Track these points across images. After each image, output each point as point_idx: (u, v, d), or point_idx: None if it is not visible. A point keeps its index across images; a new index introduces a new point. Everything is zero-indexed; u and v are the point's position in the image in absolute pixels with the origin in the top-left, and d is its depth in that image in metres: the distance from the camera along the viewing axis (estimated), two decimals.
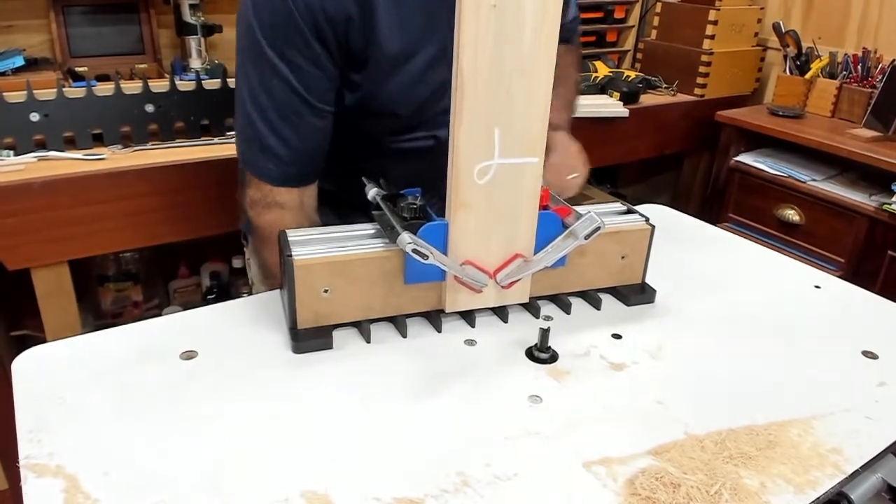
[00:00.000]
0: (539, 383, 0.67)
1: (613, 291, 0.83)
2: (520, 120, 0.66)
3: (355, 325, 0.73)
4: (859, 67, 2.04)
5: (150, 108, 1.37)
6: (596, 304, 0.81)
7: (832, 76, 2.11)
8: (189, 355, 0.67)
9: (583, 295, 0.82)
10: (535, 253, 0.73)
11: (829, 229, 1.89)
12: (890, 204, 1.73)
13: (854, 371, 0.72)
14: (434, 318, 0.75)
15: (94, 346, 0.69)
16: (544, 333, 0.71)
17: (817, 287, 0.90)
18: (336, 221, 0.96)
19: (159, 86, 1.38)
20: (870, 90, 1.99)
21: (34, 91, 1.28)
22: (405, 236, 0.66)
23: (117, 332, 0.71)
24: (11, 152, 1.28)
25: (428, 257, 0.67)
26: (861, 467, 0.58)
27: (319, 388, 0.64)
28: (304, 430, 0.59)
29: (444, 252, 0.70)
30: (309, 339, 0.69)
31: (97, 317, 1.62)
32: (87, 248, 1.30)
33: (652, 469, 0.56)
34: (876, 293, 0.88)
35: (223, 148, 1.38)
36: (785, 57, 2.18)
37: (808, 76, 2.12)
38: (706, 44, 2.15)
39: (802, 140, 1.92)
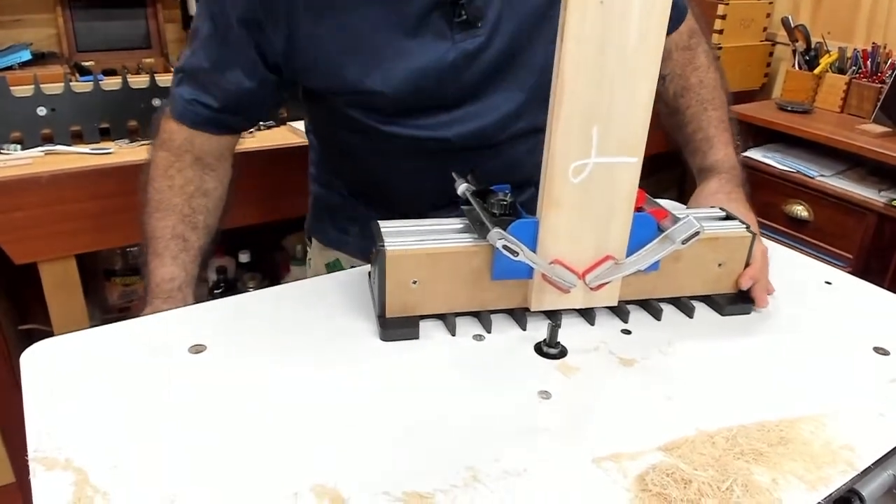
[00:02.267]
0: (548, 379, 0.66)
1: (707, 300, 0.81)
2: (620, 119, 0.65)
3: (441, 317, 0.73)
4: (869, 63, 2.03)
5: (157, 102, 1.37)
6: (688, 312, 0.79)
7: (841, 71, 2.09)
8: (198, 349, 0.67)
9: (674, 302, 0.80)
10: (628, 256, 0.72)
11: (838, 225, 1.88)
12: None
13: (866, 367, 0.71)
14: (519, 315, 0.74)
15: (103, 340, 0.69)
16: (553, 329, 0.70)
17: (828, 283, 0.89)
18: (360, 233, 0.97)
19: (166, 80, 1.38)
20: (879, 85, 1.98)
21: (41, 85, 1.28)
22: (495, 232, 0.66)
23: (126, 326, 0.71)
24: (19, 146, 1.28)
25: (518, 254, 0.67)
26: (873, 464, 0.58)
27: (326, 382, 0.64)
28: (314, 424, 0.58)
29: (534, 250, 0.69)
30: (396, 327, 0.70)
31: (104, 311, 1.62)
32: (94, 243, 1.30)
33: (662, 465, 0.56)
34: (885, 289, 0.88)
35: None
36: (794, 52, 2.16)
37: (817, 71, 2.10)
38: (715, 38, 2.14)
39: (811, 135, 1.91)
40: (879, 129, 1.87)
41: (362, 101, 0.84)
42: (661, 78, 0.99)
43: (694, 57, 1.00)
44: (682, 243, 0.69)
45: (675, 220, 0.71)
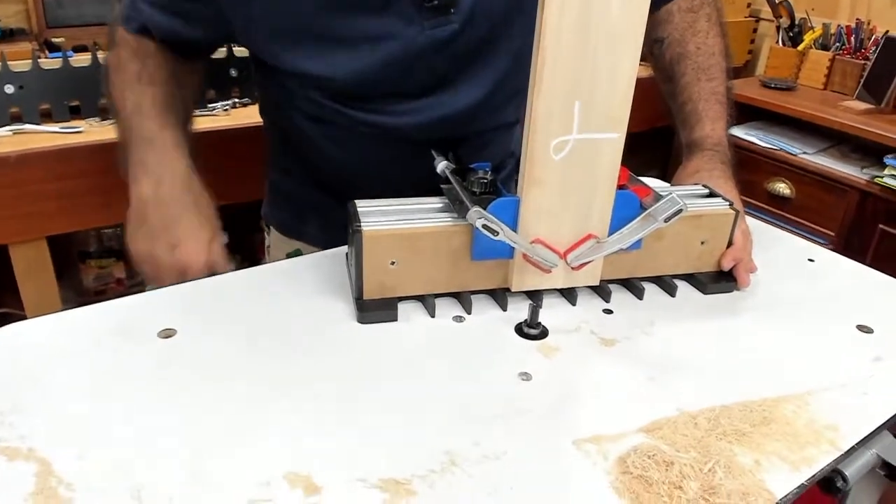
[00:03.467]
0: (528, 360, 0.65)
1: (689, 278, 0.79)
2: (603, 93, 0.63)
3: (420, 299, 0.71)
4: (852, 39, 2.02)
5: None
6: (670, 291, 0.77)
7: (825, 48, 2.08)
8: (167, 333, 0.65)
9: (657, 281, 0.79)
10: (610, 234, 0.71)
11: (820, 203, 1.88)
12: (882, 177, 1.72)
13: (849, 346, 0.71)
14: (499, 296, 0.73)
15: (71, 324, 0.66)
16: (534, 309, 0.69)
17: (811, 261, 0.88)
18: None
19: None
20: (863, 62, 1.97)
21: (9, 62, 1.24)
22: (475, 212, 0.64)
23: (95, 310, 0.69)
24: None
25: (498, 234, 0.65)
26: (857, 444, 0.57)
27: (300, 366, 0.62)
28: (288, 409, 0.57)
29: (514, 229, 0.68)
30: (374, 309, 0.68)
31: (79, 294, 1.59)
32: (66, 224, 1.27)
33: (644, 447, 0.55)
34: (867, 266, 0.87)
35: (208, 120, 1.35)
36: (778, 28, 2.15)
37: (800, 48, 2.09)
38: None
39: (794, 112, 1.91)
40: (862, 105, 1.87)
41: (313, 84, 0.81)
42: (660, 41, 0.95)
43: (696, 21, 0.95)
44: (665, 221, 0.68)
45: (658, 197, 0.70)
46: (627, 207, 0.70)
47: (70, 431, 0.53)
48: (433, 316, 0.70)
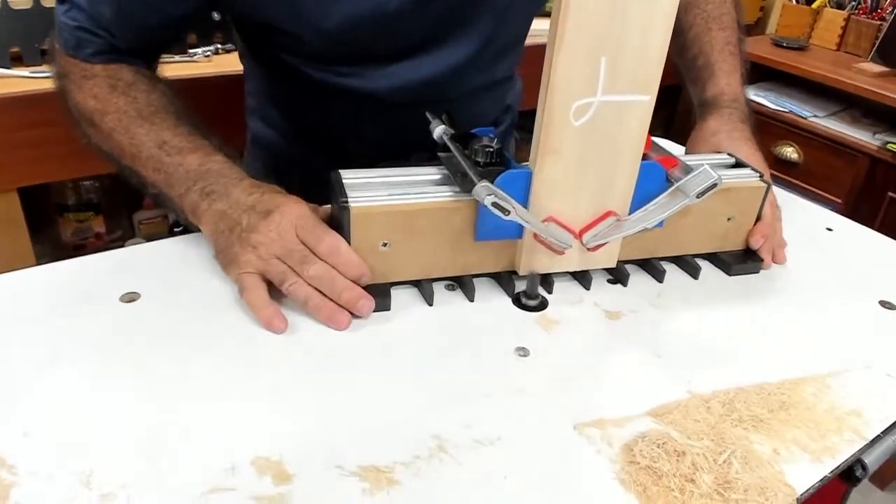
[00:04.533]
0: (526, 334, 0.60)
1: (712, 258, 0.73)
2: (633, 49, 0.55)
3: (416, 284, 0.64)
4: None
5: None
6: (693, 273, 0.70)
7: (840, 6, 2.00)
8: (130, 297, 0.59)
9: (677, 261, 0.72)
10: (631, 212, 0.63)
11: (828, 168, 1.82)
12: (894, 143, 1.65)
13: (872, 323, 0.65)
14: (505, 280, 0.65)
15: (29, 284, 0.61)
16: (533, 279, 0.63)
17: (829, 230, 0.83)
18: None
19: None
20: (879, 22, 1.89)
21: None
22: (483, 187, 0.56)
23: (56, 269, 0.63)
24: None
25: (510, 213, 0.57)
26: (882, 432, 0.52)
27: (273, 341, 0.56)
28: (260, 388, 0.51)
29: (525, 205, 0.60)
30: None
31: (56, 249, 1.53)
32: (39, 175, 1.20)
33: (653, 434, 0.50)
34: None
35: (189, 67, 1.27)
36: None
37: (814, 6, 2.00)
38: None
39: (806, 73, 1.83)
40: (877, 68, 1.80)
41: (289, 46, 0.73)
42: None
43: None
44: (697, 197, 0.61)
45: (687, 169, 0.63)
46: (652, 181, 0.63)
47: (16, 405, 0.48)
48: (431, 304, 0.62)
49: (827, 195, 1.83)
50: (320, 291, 0.58)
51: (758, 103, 1.91)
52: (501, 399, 0.52)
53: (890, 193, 1.70)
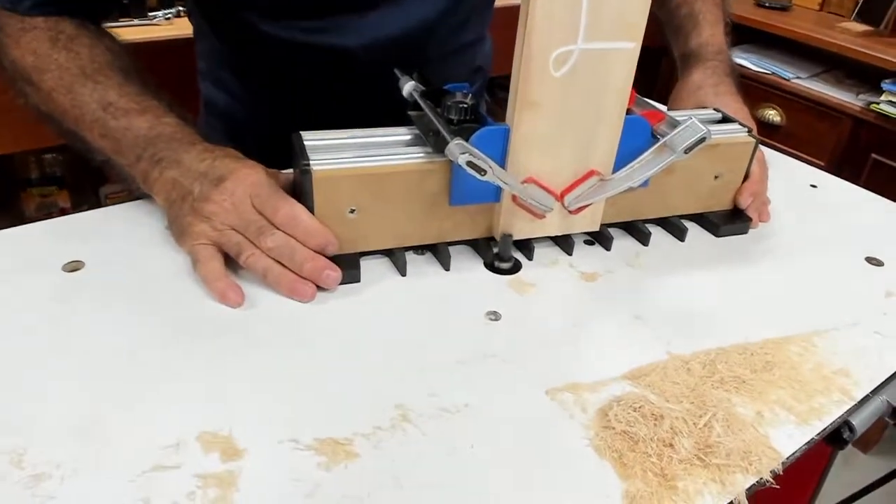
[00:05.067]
0: (498, 298, 0.56)
1: (699, 219, 0.69)
2: None
3: (388, 253, 0.60)
4: None
5: None
6: (679, 235, 0.67)
7: None
8: (74, 266, 0.56)
9: (662, 222, 0.68)
10: (615, 170, 0.59)
11: (811, 130, 1.79)
12: (878, 103, 1.63)
13: (858, 280, 0.63)
14: (482, 248, 0.62)
15: None
16: (505, 240, 0.60)
17: (813, 186, 0.80)
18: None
19: None
20: None
21: None
22: (456, 145, 0.52)
23: None
24: None
25: (486, 173, 0.53)
26: (871, 391, 0.50)
27: (223, 310, 0.53)
28: (210, 361, 0.48)
29: (503, 165, 0.56)
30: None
31: (21, 223, 1.47)
32: None
33: (629, 397, 0.47)
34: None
35: (148, 30, 1.21)
36: None
37: None
38: None
39: (788, 33, 1.79)
40: (860, 27, 1.77)
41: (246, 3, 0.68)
42: None
43: None
44: (685, 153, 0.57)
45: (674, 123, 0.59)
46: (637, 136, 0.59)
47: None
48: (404, 274, 0.58)
49: (810, 158, 1.80)
50: (282, 264, 0.54)
51: (740, 65, 1.87)
52: (470, 365, 0.49)
53: (873, 155, 1.68)
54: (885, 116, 1.62)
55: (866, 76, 1.72)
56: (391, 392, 0.46)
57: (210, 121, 0.86)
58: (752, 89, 1.86)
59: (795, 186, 0.79)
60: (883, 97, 1.63)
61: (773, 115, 1.83)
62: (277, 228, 0.54)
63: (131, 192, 0.63)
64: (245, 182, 0.55)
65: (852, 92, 1.72)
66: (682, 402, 0.47)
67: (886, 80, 1.62)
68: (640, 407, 0.46)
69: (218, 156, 0.57)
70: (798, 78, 1.79)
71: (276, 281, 0.54)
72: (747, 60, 1.87)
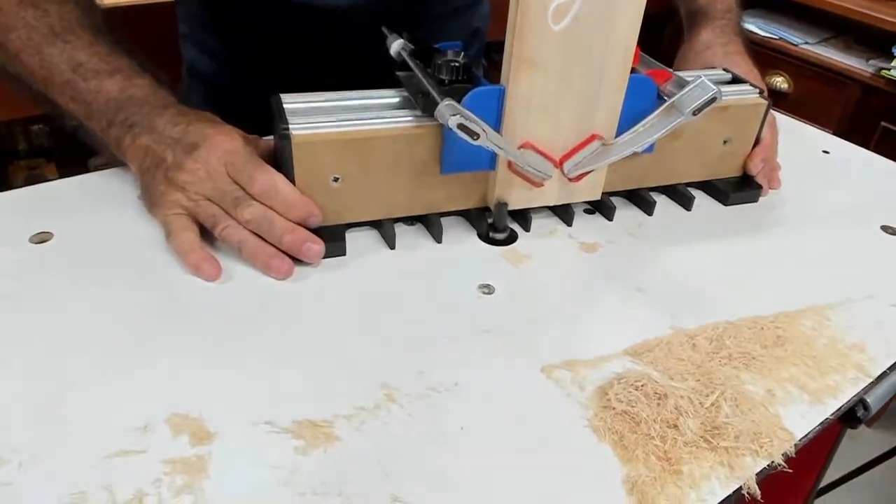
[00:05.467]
0: (493, 269, 0.53)
1: (706, 187, 0.65)
2: None
3: (375, 225, 0.57)
4: None
5: None
6: (685, 203, 0.63)
7: None
8: (42, 238, 0.52)
9: (667, 191, 0.64)
10: (618, 135, 0.56)
11: (819, 98, 1.74)
12: (888, 69, 1.58)
13: (874, 249, 0.60)
14: (476, 219, 0.58)
15: None
16: (500, 208, 0.56)
17: (825, 152, 0.76)
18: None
19: None
20: None
21: None
22: (447, 106, 0.48)
23: None
24: None
25: (479, 137, 0.49)
26: (889, 368, 0.47)
27: (197, 285, 0.49)
28: (182, 338, 0.45)
29: (498, 130, 0.52)
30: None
31: None
32: None
33: (630, 374, 0.44)
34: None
35: None
36: None
37: None
38: None
39: None
40: None
41: None
42: None
43: None
44: (694, 114, 0.53)
45: (682, 83, 0.55)
46: (642, 97, 0.55)
47: None
48: (393, 247, 0.55)
49: (817, 126, 1.76)
50: (260, 236, 0.51)
51: (747, 31, 1.82)
52: (461, 342, 0.46)
53: (883, 123, 1.63)
54: (895, 83, 1.57)
55: (876, 41, 1.67)
56: (376, 371, 0.43)
57: (193, 86, 0.82)
58: (759, 55, 1.80)
59: (807, 152, 0.76)
60: (894, 63, 1.58)
61: (780, 81, 1.78)
62: (255, 199, 0.50)
63: (124, 164, 0.60)
64: (219, 149, 0.51)
65: (862, 58, 1.67)
66: (687, 380, 0.44)
67: None
68: (642, 385, 0.43)
69: (192, 120, 0.54)
70: (806, 43, 1.74)
71: (251, 254, 0.50)
72: (754, 25, 1.81)
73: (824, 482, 0.82)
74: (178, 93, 0.59)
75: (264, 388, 0.41)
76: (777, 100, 1.81)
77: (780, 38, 1.76)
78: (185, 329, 0.45)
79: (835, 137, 0.80)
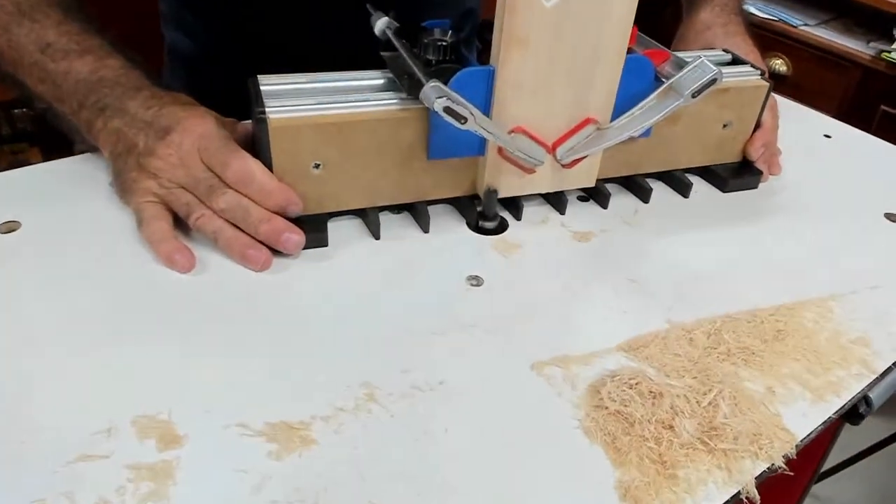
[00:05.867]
0: (481, 260, 0.51)
1: (704, 173, 0.63)
2: None
3: (359, 214, 0.54)
4: None
5: None
6: (683, 190, 0.61)
7: None
8: (10, 227, 0.50)
9: (664, 177, 0.62)
10: (614, 118, 0.53)
11: (818, 81, 1.71)
12: (889, 51, 1.55)
13: (877, 238, 0.57)
14: (465, 207, 0.56)
15: None
16: (490, 195, 0.54)
17: (827, 137, 0.74)
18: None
19: None
20: None
21: None
22: (432, 87, 0.45)
23: None
24: None
25: (466, 121, 0.47)
26: (894, 363, 0.45)
27: (179, 278, 0.47)
28: (150, 334, 0.42)
29: (487, 113, 0.50)
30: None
31: None
32: None
33: (624, 372, 0.42)
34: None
35: None
36: None
37: None
38: None
39: None
40: None
41: None
42: None
43: None
44: (693, 97, 0.51)
45: (681, 63, 0.53)
46: (639, 78, 0.53)
47: None
48: (378, 237, 0.52)
49: (816, 110, 1.73)
50: (236, 226, 0.49)
51: (747, 11, 1.79)
52: (447, 337, 0.44)
53: (883, 106, 1.60)
54: (895, 65, 1.55)
55: (877, 23, 1.64)
56: (357, 369, 0.41)
57: (174, 67, 0.80)
58: (759, 38, 1.78)
59: (808, 137, 0.74)
60: (894, 45, 1.55)
61: (779, 64, 1.75)
62: (229, 187, 0.48)
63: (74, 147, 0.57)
64: (192, 133, 0.49)
65: (862, 40, 1.64)
66: (683, 378, 0.42)
67: None
68: (636, 383, 0.41)
69: (166, 103, 0.51)
70: (806, 25, 1.71)
71: (226, 245, 0.48)
72: (753, 6, 1.78)
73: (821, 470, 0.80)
74: (154, 74, 0.57)
75: (238, 388, 0.39)
76: (776, 83, 1.78)
77: (780, 20, 1.73)
78: (155, 324, 0.43)
79: (836, 121, 0.77)
